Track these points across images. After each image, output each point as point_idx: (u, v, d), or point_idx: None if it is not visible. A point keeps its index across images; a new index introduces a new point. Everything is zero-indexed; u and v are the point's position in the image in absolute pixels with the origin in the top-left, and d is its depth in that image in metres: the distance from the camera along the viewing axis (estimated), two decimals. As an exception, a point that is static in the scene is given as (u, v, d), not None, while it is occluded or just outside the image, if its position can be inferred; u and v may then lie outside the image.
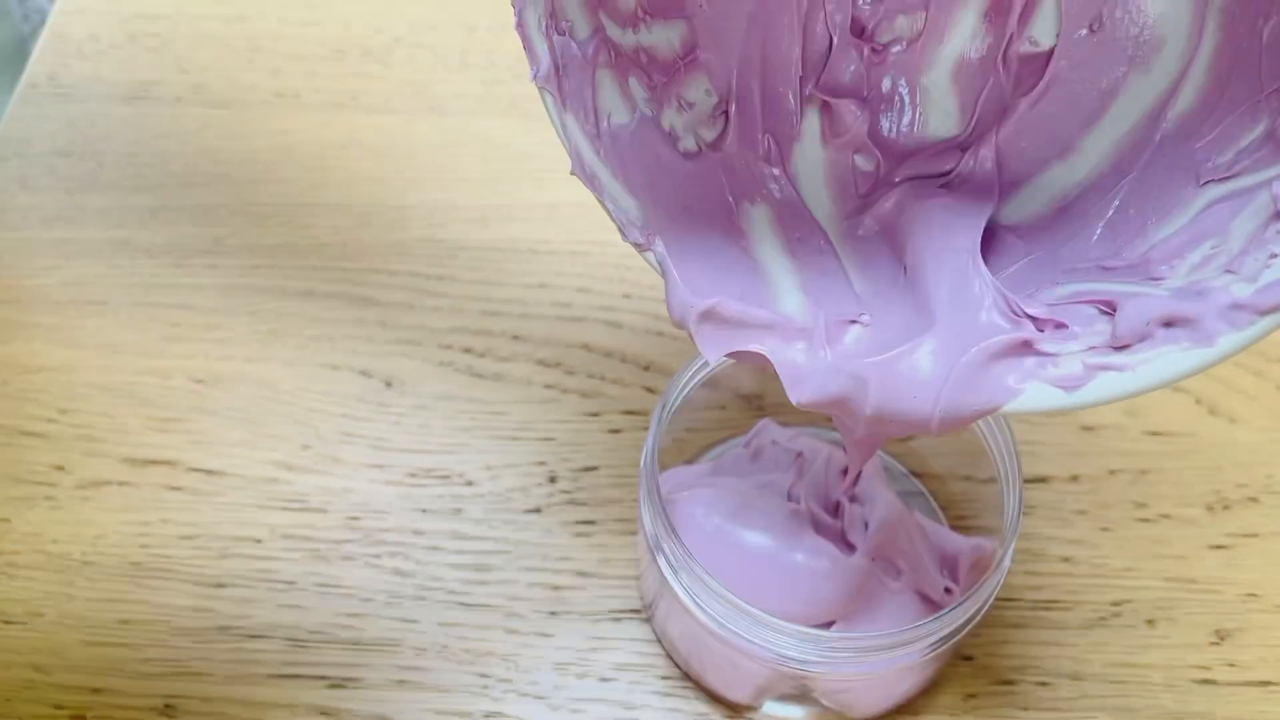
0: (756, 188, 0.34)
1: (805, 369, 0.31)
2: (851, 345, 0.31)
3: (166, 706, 0.41)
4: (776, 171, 0.34)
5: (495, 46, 0.57)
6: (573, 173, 0.30)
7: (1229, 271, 0.28)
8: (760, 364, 0.32)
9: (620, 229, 0.31)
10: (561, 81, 0.30)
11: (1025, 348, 0.30)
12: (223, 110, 0.56)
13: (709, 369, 0.40)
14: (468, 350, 0.49)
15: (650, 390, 0.48)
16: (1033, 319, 0.30)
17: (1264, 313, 0.27)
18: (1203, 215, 0.30)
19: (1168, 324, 0.29)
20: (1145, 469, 0.46)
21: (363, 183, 0.54)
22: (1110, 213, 0.32)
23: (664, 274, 0.31)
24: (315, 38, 0.58)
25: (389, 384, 0.48)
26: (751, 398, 0.46)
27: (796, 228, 0.34)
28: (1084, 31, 0.31)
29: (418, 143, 0.55)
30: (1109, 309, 0.30)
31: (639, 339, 0.49)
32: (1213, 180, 0.30)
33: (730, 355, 0.31)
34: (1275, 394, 0.48)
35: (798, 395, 0.31)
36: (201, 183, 0.54)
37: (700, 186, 0.33)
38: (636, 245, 0.31)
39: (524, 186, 0.53)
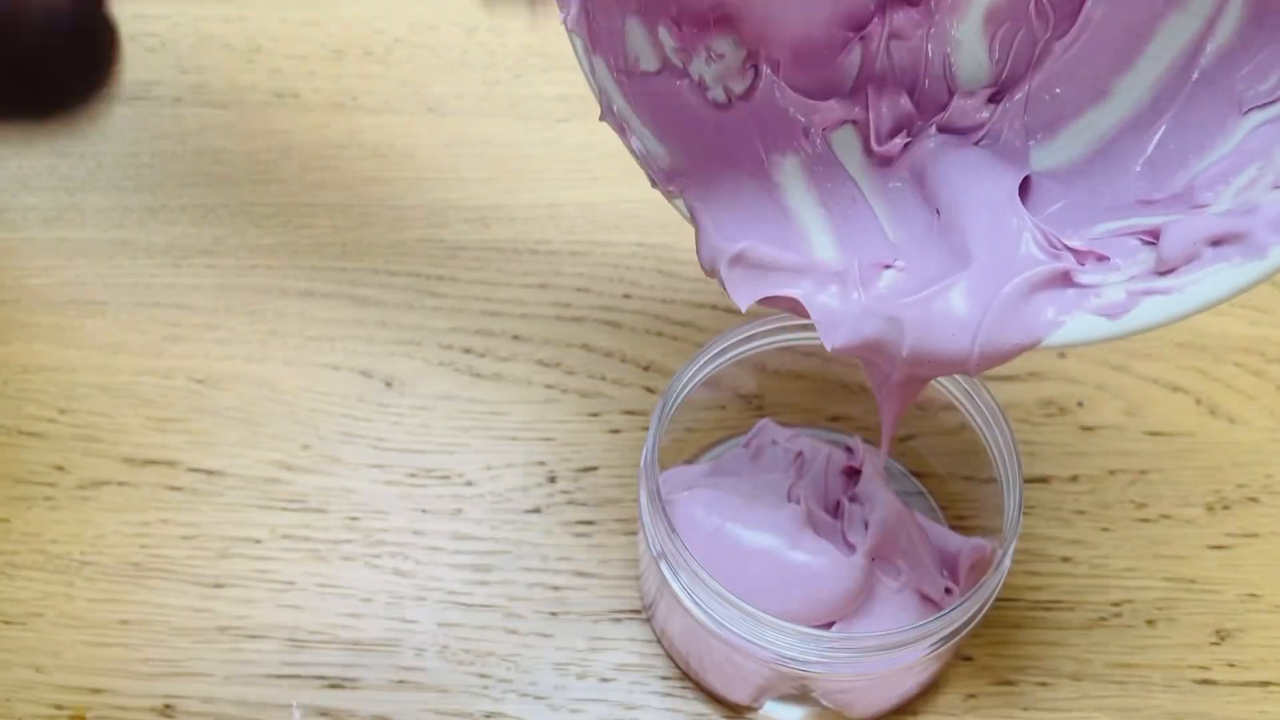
0: (788, 140, 0.33)
1: (839, 313, 0.30)
2: (886, 289, 0.31)
3: (166, 706, 0.41)
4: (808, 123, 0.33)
5: (495, 46, 0.57)
6: (602, 119, 0.30)
7: (1277, 188, 0.28)
8: (793, 309, 0.31)
9: (649, 176, 0.31)
10: (591, 24, 0.29)
11: (1065, 279, 0.29)
12: (223, 110, 0.56)
13: (709, 369, 0.40)
14: (468, 350, 0.49)
15: (650, 390, 0.48)
16: (1073, 251, 0.30)
17: None
18: (1246, 141, 0.29)
19: (1216, 243, 0.28)
20: (1145, 469, 0.46)
21: (363, 183, 0.54)
22: (1150, 150, 0.31)
23: (694, 221, 0.31)
24: (315, 38, 0.58)
25: (389, 384, 0.48)
26: (751, 398, 0.46)
27: (829, 178, 0.33)
28: None
29: (418, 143, 0.55)
30: (1153, 238, 0.29)
31: (639, 339, 0.49)
32: (1255, 107, 0.29)
33: (762, 302, 0.31)
34: (1275, 394, 0.48)
35: (832, 340, 0.30)
36: (201, 183, 0.53)
37: (730, 136, 0.33)
38: (666, 193, 0.31)
39: (524, 186, 0.53)
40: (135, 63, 0.57)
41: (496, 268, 0.51)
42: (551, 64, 0.56)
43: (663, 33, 0.32)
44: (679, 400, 0.40)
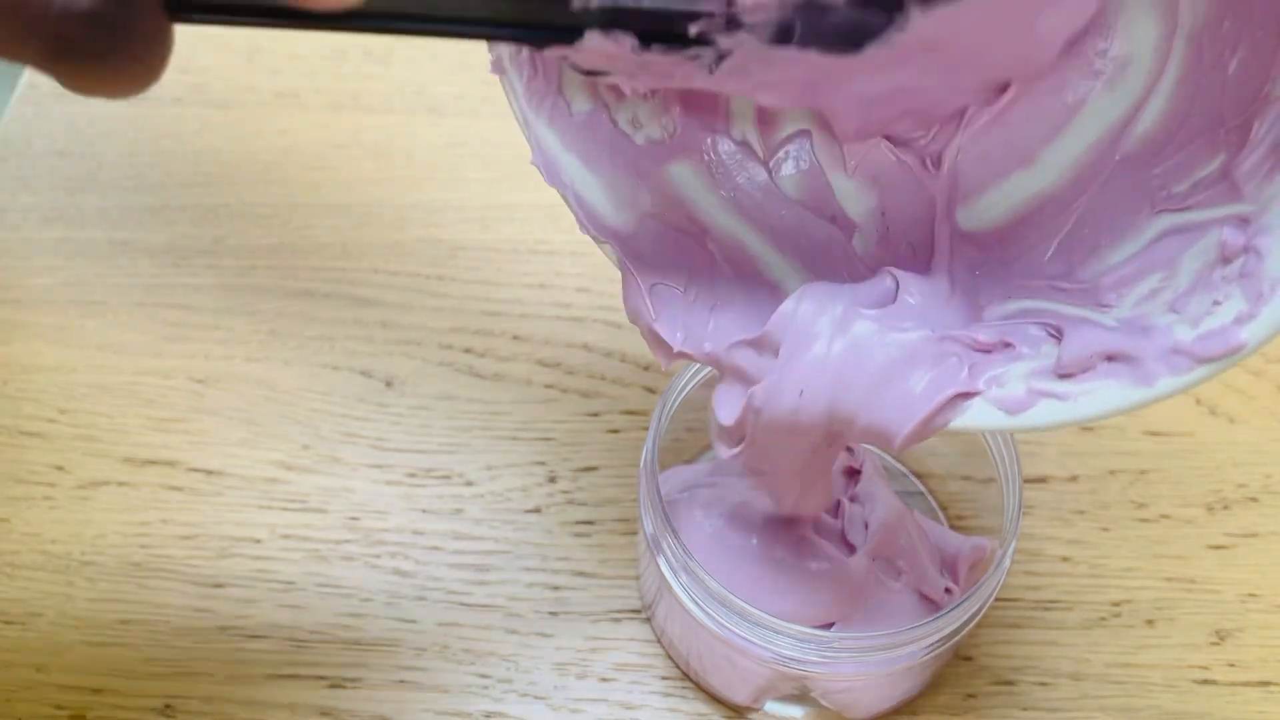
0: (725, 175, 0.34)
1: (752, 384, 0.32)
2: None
3: (166, 706, 0.41)
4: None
5: (495, 46, 0.57)
6: (533, 162, 0.31)
7: (1173, 310, 0.29)
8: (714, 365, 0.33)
9: (578, 221, 0.31)
10: (523, 70, 0.30)
11: (972, 370, 0.30)
12: (223, 110, 0.56)
13: (709, 369, 0.40)
14: (468, 350, 0.49)
15: (650, 390, 0.48)
16: (982, 344, 0.31)
17: (1202, 361, 0.28)
18: (1154, 245, 0.30)
19: (1110, 358, 0.29)
20: (1145, 469, 0.46)
21: (363, 183, 0.54)
22: (1067, 229, 0.32)
23: (621, 271, 0.32)
24: (315, 38, 0.58)
25: (389, 384, 0.48)
26: (751, 398, 0.46)
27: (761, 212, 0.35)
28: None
29: (418, 143, 0.55)
30: (1056, 333, 0.30)
31: (639, 339, 0.49)
32: (1166, 209, 0.30)
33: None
34: (1275, 394, 0.48)
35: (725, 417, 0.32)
36: (201, 183, 0.54)
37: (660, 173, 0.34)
38: (594, 238, 0.32)
39: (524, 186, 0.53)
40: (135, 63, 0.57)
41: (496, 268, 0.51)
42: (551, 64, 0.56)
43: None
44: (679, 400, 0.40)
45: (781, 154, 0.34)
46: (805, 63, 0.29)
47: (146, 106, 0.56)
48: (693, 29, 0.27)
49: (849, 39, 0.28)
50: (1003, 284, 0.32)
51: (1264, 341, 0.27)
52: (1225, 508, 0.45)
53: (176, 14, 0.27)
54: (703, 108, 0.33)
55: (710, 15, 0.27)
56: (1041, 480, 0.46)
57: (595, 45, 0.27)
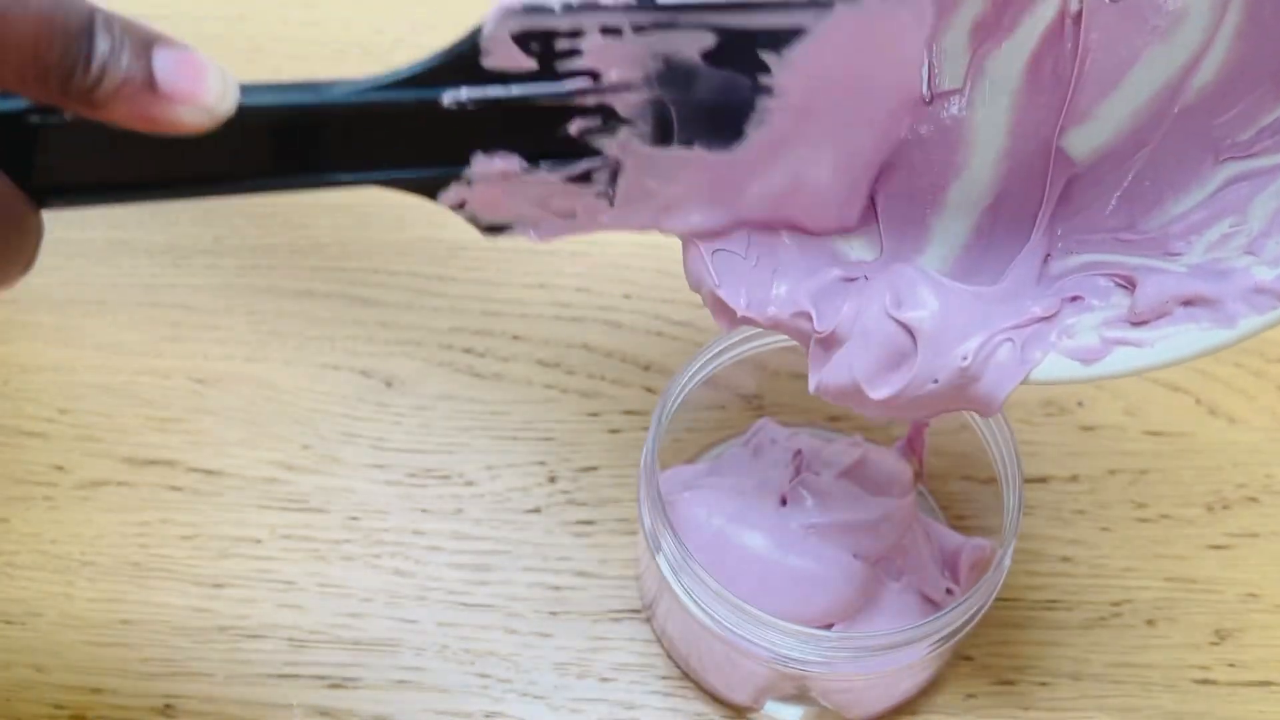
0: None
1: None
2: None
3: (166, 706, 0.41)
4: None
5: (495, 46, 0.57)
6: None
7: (1249, 253, 0.29)
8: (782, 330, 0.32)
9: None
10: None
11: (1044, 321, 0.30)
12: (222, 110, 0.56)
13: (709, 369, 0.40)
14: (468, 350, 0.49)
15: (650, 390, 0.48)
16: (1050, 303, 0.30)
17: None
18: (1221, 192, 0.30)
19: (1188, 303, 0.29)
20: (1145, 469, 0.46)
21: (363, 183, 0.54)
22: (1127, 183, 0.31)
23: (681, 239, 0.31)
24: (315, 38, 0.58)
25: (389, 384, 0.48)
26: (751, 397, 0.46)
27: None
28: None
29: (418, 143, 0.55)
30: (1127, 283, 0.30)
31: (639, 339, 0.49)
32: (1231, 158, 0.30)
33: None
34: (1275, 394, 0.48)
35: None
36: (201, 183, 0.53)
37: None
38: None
39: (524, 186, 0.53)
40: (135, 63, 0.57)
41: (496, 268, 0.51)
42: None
43: None
44: (679, 400, 0.40)
45: None
46: (698, 165, 0.29)
47: (146, 106, 0.56)
48: (572, 127, 0.28)
49: (728, 124, 0.28)
50: (1064, 239, 0.32)
51: None
52: (1225, 508, 0.45)
53: (46, 200, 0.27)
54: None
55: (584, 110, 0.27)
56: (1042, 480, 0.46)
57: (481, 169, 0.27)
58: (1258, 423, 0.47)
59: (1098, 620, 0.43)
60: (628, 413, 0.47)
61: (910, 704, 0.41)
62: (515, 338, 0.49)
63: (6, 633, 0.42)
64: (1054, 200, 0.32)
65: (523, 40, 0.27)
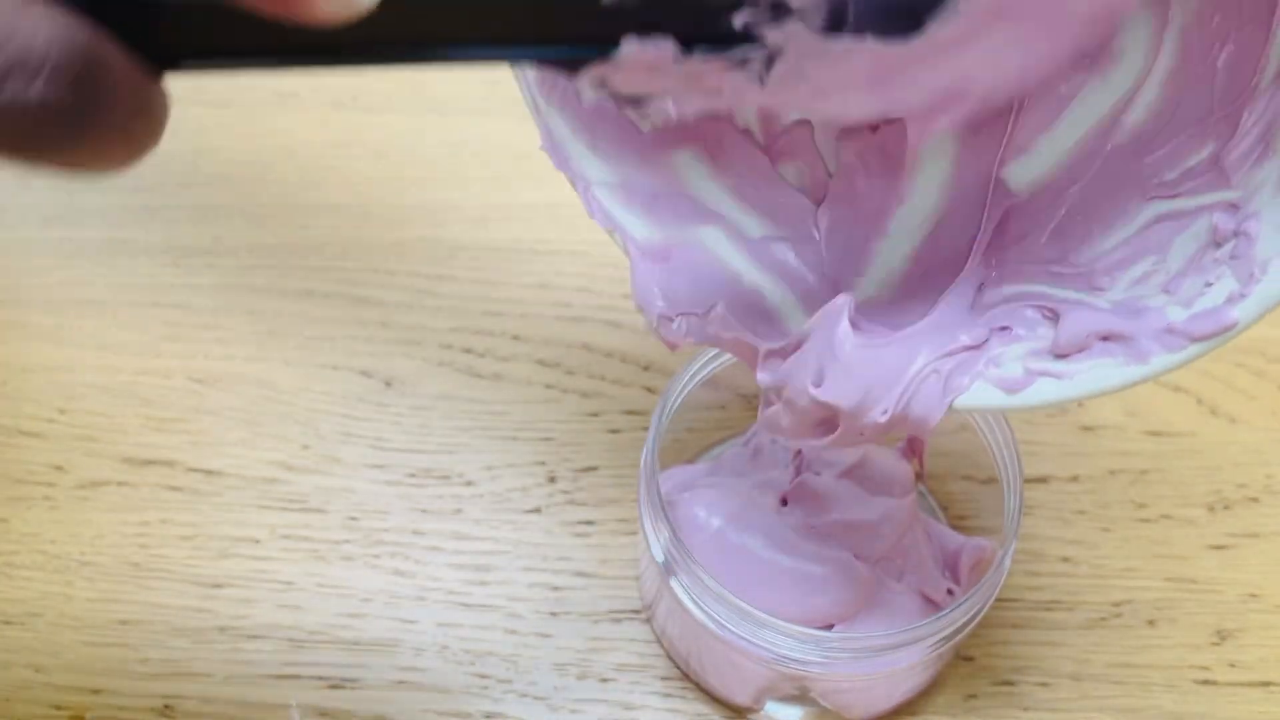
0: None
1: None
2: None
3: (166, 707, 0.41)
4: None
5: (495, 46, 0.57)
6: (542, 147, 0.31)
7: (1166, 292, 0.30)
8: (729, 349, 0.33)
9: (586, 207, 0.32)
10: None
11: (972, 350, 0.31)
12: (223, 110, 0.56)
13: (709, 369, 0.40)
14: (468, 350, 0.49)
15: (650, 390, 0.48)
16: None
17: (1195, 340, 0.29)
18: (1146, 231, 0.31)
19: (1105, 338, 0.30)
20: (1145, 469, 0.46)
21: (363, 183, 0.54)
22: (1060, 215, 0.32)
23: (630, 259, 0.32)
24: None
25: (389, 384, 0.48)
26: (751, 397, 0.46)
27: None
28: None
29: (418, 143, 0.55)
30: (1052, 315, 0.31)
31: (639, 339, 0.49)
32: (1158, 197, 0.31)
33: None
34: (1275, 394, 0.48)
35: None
36: (201, 182, 0.53)
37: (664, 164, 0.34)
38: (602, 225, 0.32)
39: (524, 186, 0.53)
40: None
41: (496, 268, 0.51)
42: (551, 64, 0.56)
43: None
44: (679, 400, 0.40)
45: (783, 142, 0.34)
46: (864, 56, 0.27)
47: (146, 106, 0.56)
48: (737, 20, 0.25)
49: (908, 16, 0.26)
50: (999, 269, 0.33)
51: (1254, 319, 0.28)
52: (1226, 508, 0.45)
53: (167, 68, 0.23)
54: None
55: (755, 2, 0.25)
56: (1042, 480, 0.46)
57: (633, 54, 0.25)
58: (1258, 423, 0.47)
59: (1098, 620, 0.43)
60: (628, 413, 0.47)
61: (910, 704, 0.41)
62: (515, 338, 0.49)
63: (6, 633, 0.42)
64: (990, 230, 0.33)
65: None
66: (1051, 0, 0.28)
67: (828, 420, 0.32)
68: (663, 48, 0.25)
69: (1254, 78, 0.28)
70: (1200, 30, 0.30)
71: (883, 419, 0.31)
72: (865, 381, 0.31)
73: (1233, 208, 0.29)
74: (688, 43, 0.25)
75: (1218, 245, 0.29)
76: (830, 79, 0.27)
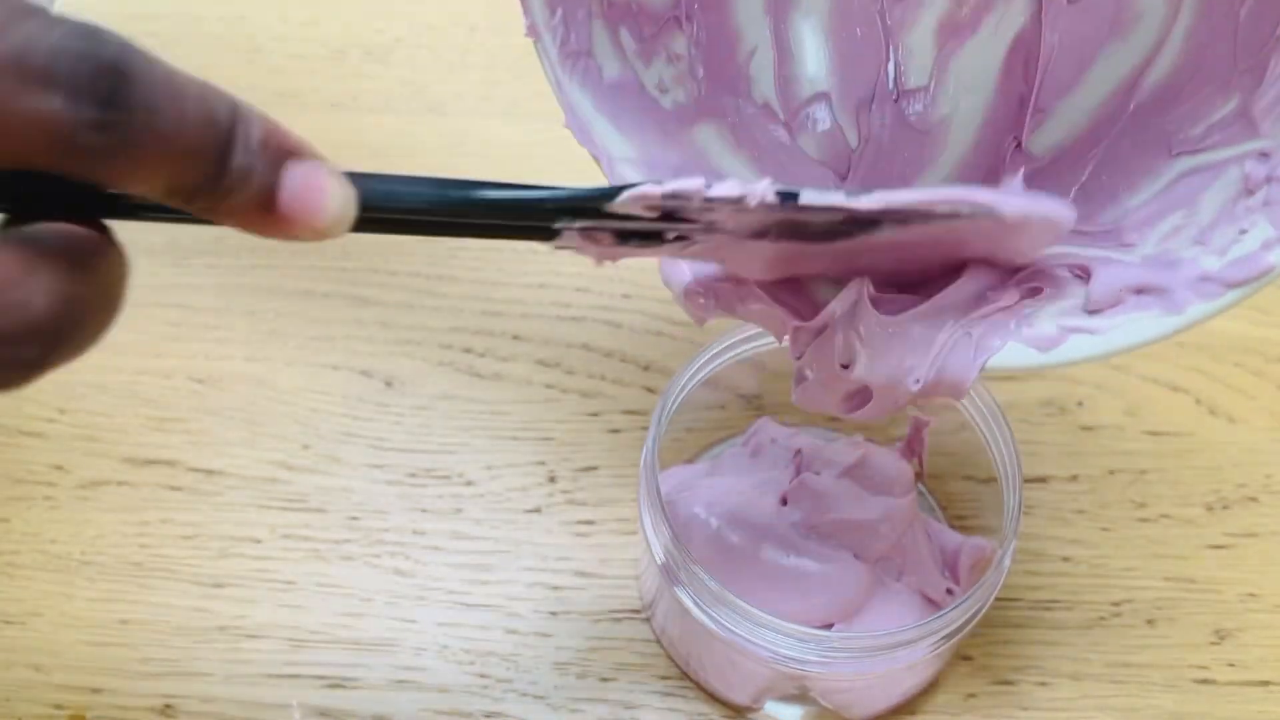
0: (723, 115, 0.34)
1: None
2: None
3: (166, 706, 0.41)
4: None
5: (495, 47, 0.57)
6: (566, 125, 0.31)
7: (1198, 243, 0.29)
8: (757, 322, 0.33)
9: (610, 182, 0.31)
10: (557, 33, 0.30)
11: (1005, 311, 0.31)
12: (222, 110, 0.56)
13: (709, 369, 0.40)
14: (468, 350, 0.49)
15: (650, 390, 0.48)
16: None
17: (1232, 286, 0.28)
18: (1174, 186, 0.31)
19: (1139, 291, 0.30)
20: (1145, 469, 0.46)
21: (362, 183, 0.53)
22: (1084, 178, 0.32)
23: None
24: (315, 38, 0.58)
25: (389, 384, 0.48)
26: (751, 397, 0.46)
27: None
28: (1065, 1, 0.32)
29: (418, 143, 0.55)
30: (1083, 274, 0.31)
31: (639, 339, 0.49)
32: (1184, 152, 0.31)
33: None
34: (1275, 394, 0.48)
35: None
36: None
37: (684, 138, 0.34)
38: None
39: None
40: (135, 63, 0.57)
41: (496, 268, 0.51)
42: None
43: (624, 34, 0.32)
44: (679, 400, 0.40)
45: (803, 115, 0.34)
46: (778, 248, 0.29)
47: (146, 106, 0.56)
48: (670, 234, 0.27)
49: (825, 236, 0.28)
50: None
51: None
52: (1225, 507, 0.45)
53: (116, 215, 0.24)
54: (725, 73, 0.33)
55: (693, 224, 0.27)
56: (1042, 480, 0.46)
57: (572, 242, 0.27)
58: (1258, 423, 0.47)
59: (1097, 620, 0.43)
60: (628, 413, 0.47)
61: (910, 704, 0.41)
62: (515, 338, 0.49)
63: (6, 633, 0.42)
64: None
65: (654, 209, 0.27)
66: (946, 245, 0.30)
67: (861, 392, 0.31)
68: (601, 239, 0.27)
69: (1277, 27, 0.28)
70: None
71: (916, 388, 0.30)
72: (895, 357, 0.31)
73: (1264, 155, 0.28)
74: (621, 238, 0.27)
75: (1250, 194, 0.29)
76: (742, 257, 0.30)
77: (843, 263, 0.30)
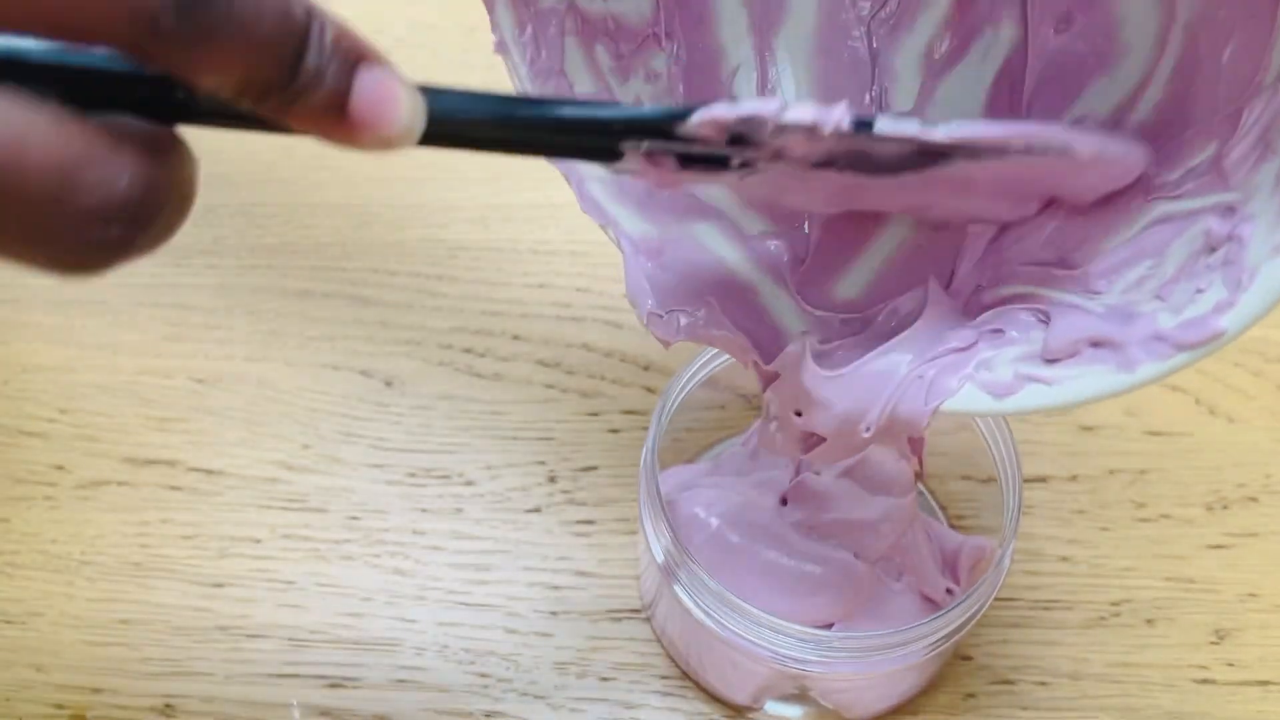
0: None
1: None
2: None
3: (166, 706, 0.41)
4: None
5: (495, 46, 0.57)
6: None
7: (1158, 298, 0.29)
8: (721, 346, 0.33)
9: (580, 201, 0.32)
10: (526, 49, 0.30)
11: (960, 353, 0.31)
12: (222, 110, 0.56)
13: (709, 369, 0.40)
14: (468, 350, 0.49)
15: (650, 390, 0.48)
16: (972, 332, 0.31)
17: (1181, 349, 0.28)
18: (1146, 232, 0.30)
19: (1095, 344, 0.29)
20: (1145, 469, 0.46)
21: (363, 183, 0.54)
22: (1060, 216, 0.32)
23: (623, 254, 0.32)
24: (315, 38, 0.58)
25: (389, 384, 0.48)
26: (751, 397, 0.46)
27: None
28: (1051, 31, 0.32)
29: (417, 143, 0.55)
30: (1045, 318, 0.31)
31: (639, 339, 0.49)
32: (1160, 197, 0.30)
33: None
34: (1275, 394, 0.48)
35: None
36: (202, 182, 0.53)
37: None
38: (595, 219, 0.32)
39: (524, 186, 0.53)
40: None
41: (496, 268, 0.51)
42: (551, 64, 0.56)
43: (599, 51, 0.32)
44: (679, 400, 0.40)
45: None
46: (843, 179, 0.28)
47: (146, 106, 0.56)
48: (734, 161, 0.27)
49: (892, 168, 0.28)
50: (997, 269, 0.33)
51: (1242, 329, 0.27)
52: (1225, 507, 0.45)
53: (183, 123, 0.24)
54: (706, 91, 0.33)
55: (759, 149, 0.27)
56: (1041, 480, 0.46)
57: (635, 165, 0.26)
58: (1258, 422, 0.47)
59: (1097, 620, 0.43)
60: (628, 413, 0.47)
61: (910, 704, 0.41)
62: (515, 338, 0.49)
63: (6, 633, 0.42)
64: (992, 230, 0.33)
65: (724, 132, 0.26)
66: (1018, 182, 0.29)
67: (815, 439, 0.32)
68: (663, 164, 0.26)
69: (1258, 74, 0.28)
70: (1206, 25, 0.29)
71: (868, 434, 0.31)
72: (844, 407, 0.31)
73: (1229, 211, 0.28)
74: (686, 161, 0.27)
75: (1211, 250, 0.28)
76: (805, 188, 0.29)
77: (903, 199, 0.30)
